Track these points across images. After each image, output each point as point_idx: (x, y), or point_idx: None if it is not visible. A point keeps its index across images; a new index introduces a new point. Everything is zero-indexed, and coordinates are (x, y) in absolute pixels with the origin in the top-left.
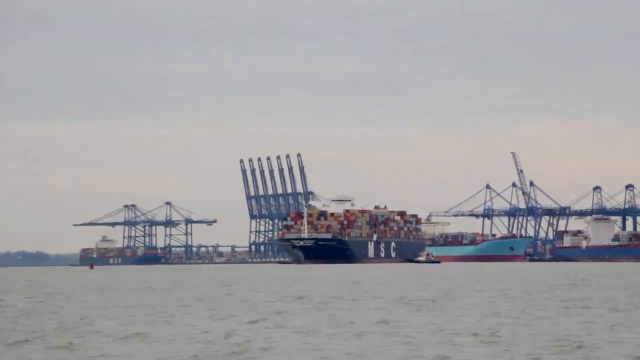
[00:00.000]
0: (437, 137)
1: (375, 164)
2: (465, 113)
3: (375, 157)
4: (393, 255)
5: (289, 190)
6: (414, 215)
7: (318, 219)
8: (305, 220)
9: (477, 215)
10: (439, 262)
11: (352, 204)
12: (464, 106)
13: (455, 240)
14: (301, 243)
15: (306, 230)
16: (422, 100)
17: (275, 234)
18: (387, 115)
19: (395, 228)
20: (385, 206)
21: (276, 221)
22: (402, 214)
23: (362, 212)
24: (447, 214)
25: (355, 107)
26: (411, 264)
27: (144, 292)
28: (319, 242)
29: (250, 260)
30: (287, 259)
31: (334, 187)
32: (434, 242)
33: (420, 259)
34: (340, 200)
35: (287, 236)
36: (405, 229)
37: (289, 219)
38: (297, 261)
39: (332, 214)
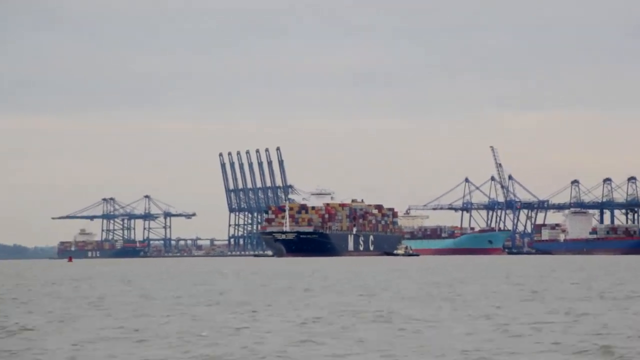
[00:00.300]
0: (419, 130)
1: (356, 157)
2: (449, 106)
3: (355, 149)
4: (371, 248)
5: (268, 183)
6: (391, 209)
7: (299, 212)
8: (287, 214)
9: (456, 209)
10: (417, 255)
11: (332, 198)
12: (448, 99)
13: (434, 233)
14: (283, 236)
15: (288, 224)
16: (407, 93)
17: (255, 228)
18: (370, 109)
19: (374, 221)
20: (363, 200)
21: (255, 215)
22: (379, 207)
23: (342, 205)
24: (426, 208)
25: (339, 100)
26: (389, 257)
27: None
28: (301, 236)
29: (229, 253)
30: (266, 252)
31: (313, 181)
32: (412, 235)
33: (398, 252)
34: (320, 194)
35: (269, 229)
36: (383, 222)
37: (270, 212)
38: (279, 254)
39: (312, 208)
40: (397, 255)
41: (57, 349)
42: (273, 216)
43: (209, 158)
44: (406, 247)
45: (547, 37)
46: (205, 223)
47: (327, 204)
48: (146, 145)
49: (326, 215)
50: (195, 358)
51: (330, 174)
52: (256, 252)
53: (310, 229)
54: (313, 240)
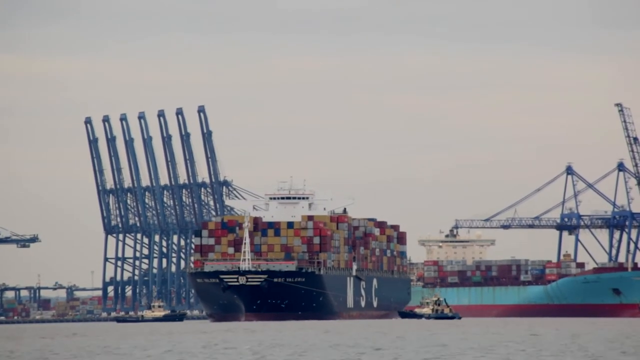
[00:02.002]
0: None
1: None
2: None
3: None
4: (375, 303)
5: (183, 177)
6: (394, 227)
7: (264, 233)
8: (245, 237)
9: (550, 227)
10: (457, 316)
11: (311, 205)
12: None
13: (506, 273)
14: (241, 280)
15: (248, 256)
16: None
17: (160, 263)
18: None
19: (377, 252)
20: (345, 209)
21: (158, 238)
22: (379, 224)
23: (336, 220)
24: (489, 224)
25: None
26: (410, 322)
27: None
28: (275, 279)
29: (104, 314)
30: (174, 310)
31: (263, 173)
32: (461, 277)
33: (421, 310)
34: (289, 198)
35: (209, 267)
36: (389, 253)
37: (205, 233)
38: (222, 314)
39: (290, 225)
40: (420, 316)
41: None
42: (211, 241)
43: (67, 128)
44: (437, 301)
45: None
46: (57, 256)
47: (309, 217)
48: None
49: (315, 240)
50: None
51: (291, 158)
52: (143, 312)
53: (292, 266)
54: (293, 290)
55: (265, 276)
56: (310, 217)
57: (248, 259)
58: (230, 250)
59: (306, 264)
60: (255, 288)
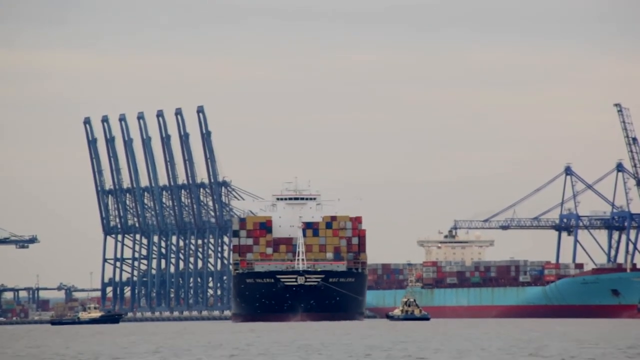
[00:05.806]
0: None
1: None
2: None
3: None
4: None
5: (181, 179)
6: None
7: (303, 233)
8: (300, 236)
9: (549, 227)
10: (427, 317)
11: (318, 205)
12: None
13: (504, 274)
14: (300, 280)
15: (302, 257)
16: None
17: (159, 264)
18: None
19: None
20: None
21: (157, 239)
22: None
23: (354, 220)
24: (488, 225)
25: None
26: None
27: None
28: (331, 279)
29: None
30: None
31: (252, 172)
32: (460, 278)
33: (395, 312)
34: (298, 198)
35: (261, 267)
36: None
37: (243, 233)
38: (262, 315)
39: (328, 225)
40: (394, 318)
41: None
42: (249, 241)
43: (66, 128)
44: (407, 302)
45: None
46: (56, 257)
47: (332, 218)
48: None
49: (354, 240)
50: None
51: (290, 159)
52: (78, 314)
53: (343, 267)
54: (337, 295)
55: (322, 276)
56: (333, 218)
57: (303, 259)
58: (269, 250)
59: (352, 264)
60: (313, 288)
